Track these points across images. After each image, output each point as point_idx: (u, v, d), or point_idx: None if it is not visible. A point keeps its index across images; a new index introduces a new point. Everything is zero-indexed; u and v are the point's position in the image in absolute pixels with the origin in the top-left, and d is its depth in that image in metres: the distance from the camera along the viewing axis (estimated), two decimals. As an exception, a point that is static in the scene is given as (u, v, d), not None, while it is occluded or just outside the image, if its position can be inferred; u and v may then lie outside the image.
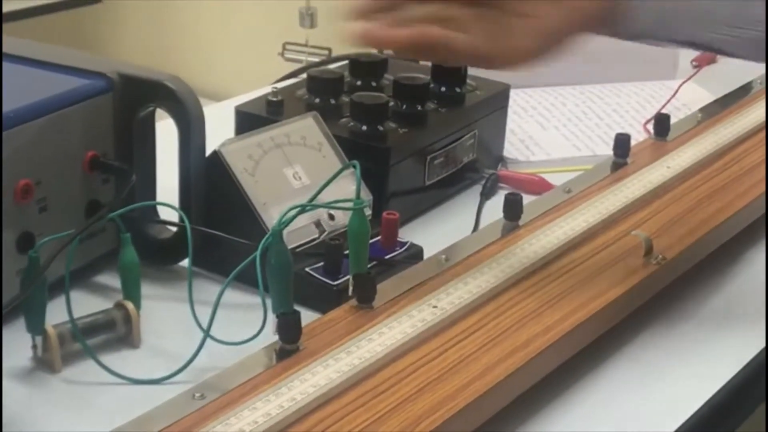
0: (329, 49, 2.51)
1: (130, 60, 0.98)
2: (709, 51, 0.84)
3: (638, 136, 1.20)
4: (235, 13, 2.81)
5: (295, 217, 0.77)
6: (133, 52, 2.92)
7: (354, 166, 0.80)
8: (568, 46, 0.79)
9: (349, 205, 0.80)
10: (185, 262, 0.92)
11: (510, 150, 1.17)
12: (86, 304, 0.83)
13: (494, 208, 1.05)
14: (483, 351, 0.76)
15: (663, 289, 0.90)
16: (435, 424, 0.69)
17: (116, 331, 0.82)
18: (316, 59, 2.39)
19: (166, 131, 0.92)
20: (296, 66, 2.26)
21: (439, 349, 0.76)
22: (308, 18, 2.49)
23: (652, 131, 1.13)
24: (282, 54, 2.59)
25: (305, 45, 2.54)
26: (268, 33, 2.67)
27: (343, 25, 0.77)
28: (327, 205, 0.83)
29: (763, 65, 0.85)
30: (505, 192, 1.08)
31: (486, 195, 1.09)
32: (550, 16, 0.77)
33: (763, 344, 0.87)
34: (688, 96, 1.31)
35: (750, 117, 1.16)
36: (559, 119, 1.25)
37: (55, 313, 0.79)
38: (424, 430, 0.68)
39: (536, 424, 0.76)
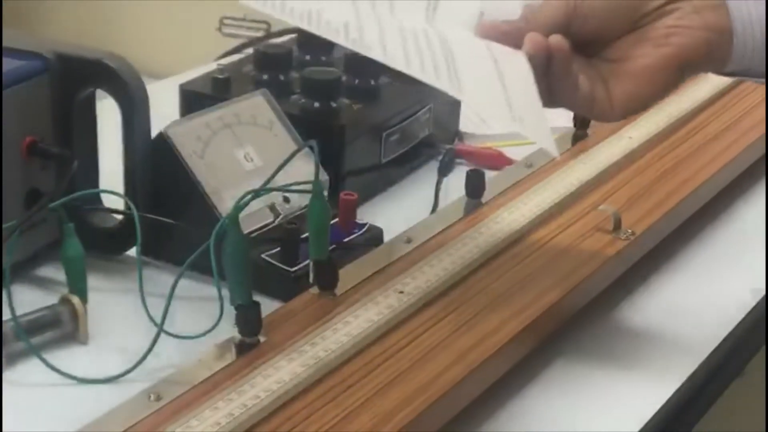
0: (268, 23, 2.46)
1: (57, 37, 0.92)
2: None
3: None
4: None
5: (248, 202, 0.73)
6: (61, 29, 2.84)
7: (311, 147, 0.75)
8: (673, 85, 0.75)
9: (308, 187, 0.75)
10: (132, 251, 0.88)
11: (466, 123, 1.13)
12: (28, 300, 0.78)
13: (453, 185, 1.02)
14: (454, 337, 0.72)
15: (634, 265, 0.87)
16: (409, 417, 0.65)
17: (62, 327, 0.77)
18: (255, 34, 2.34)
19: (106, 113, 0.87)
20: (235, 41, 2.20)
21: (408, 337, 0.72)
22: (245, -9, 2.44)
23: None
24: (220, 29, 2.53)
25: (243, 19, 2.49)
26: (204, 6, 2.61)
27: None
28: (285, 189, 0.78)
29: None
30: (463, 167, 1.06)
31: (443, 171, 1.05)
32: (646, 57, 0.74)
33: (742, 314, 0.84)
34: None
35: (708, 85, 1.13)
36: (514, 90, 1.21)
37: (-5, 310, 0.75)
38: (399, 424, 0.64)
39: (513, 409, 0.73)
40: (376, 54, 0.69)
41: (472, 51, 0.73)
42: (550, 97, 0.74)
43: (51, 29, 2.83)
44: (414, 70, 0.69)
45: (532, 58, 0.72)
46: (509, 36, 0.74)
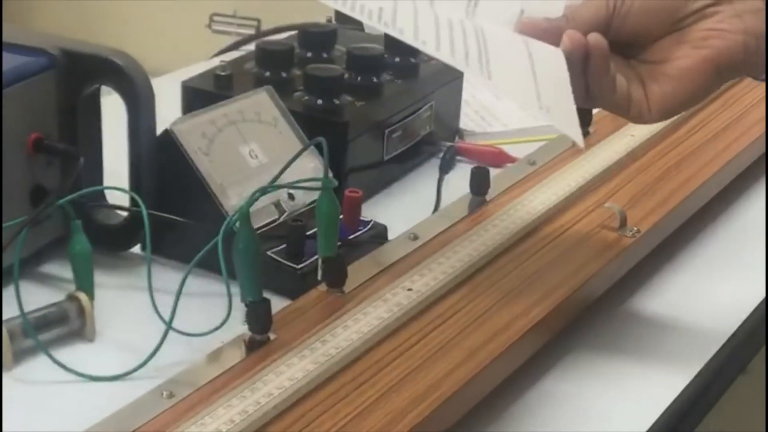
0: (258, 20, 2.45)
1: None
2: None
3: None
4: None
5: (256, 198, 0.72)
6: (48, 26, 2.83)
7: (319, 144, 0.75)
8: (710, 88, 0.76)
9: (318, 185, 0.75)
10: (137, 249, 0.88)
11: (466, 121, 1.13)
12: (35, 297, 0.78)
13: (453, 182, 1.02)
14: (464, 335, 0.72)
15: (638, 263, 0.87)
16: (422, 414, 0.65)
17: (69, 324, 0.77)
18: (245, 31, 2.34)
19: (109, 109, 0.87)
20: (224, 38, 2.20)
21: (418, 335, 0.72)
22: (236, -12, 2.43)
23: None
24: (209, 26, 2.52)
25: (233, 16, 2.48)
26: (193, 4, 2.60)
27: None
28: (296, 185, 0.78)
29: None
30: (464, 165, 1.06)
31: (444, 169, 1.05)
32: (684, 59, 0.74)
33: (744, 316, 0.84)
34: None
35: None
36: (513, 88, 1.21)
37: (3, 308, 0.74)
38: (411, 422, 0.64)
39: (524, 405, 0.73)
40: (407, 37, 0.69)
41: (506, 42, 0.73)
42: (588, 96, 0.74)
43: (38, 27, 2.81)
44: (443, 54, 0.69)
45: (569, 56, 0.72)
46: (548, 33, 0.74)
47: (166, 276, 0.82)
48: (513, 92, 0.72)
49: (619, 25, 0.75)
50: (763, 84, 1.10)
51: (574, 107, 0.71)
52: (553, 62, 0.72)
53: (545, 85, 0.70)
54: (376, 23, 0.70)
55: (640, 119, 0.76)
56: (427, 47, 0.69)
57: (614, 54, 0.75)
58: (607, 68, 0.73)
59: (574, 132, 0.70)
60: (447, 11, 0.73)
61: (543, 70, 0.71)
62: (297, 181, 0.78)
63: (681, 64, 0.74)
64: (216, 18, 2.55)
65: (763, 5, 0.74)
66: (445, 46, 0.69)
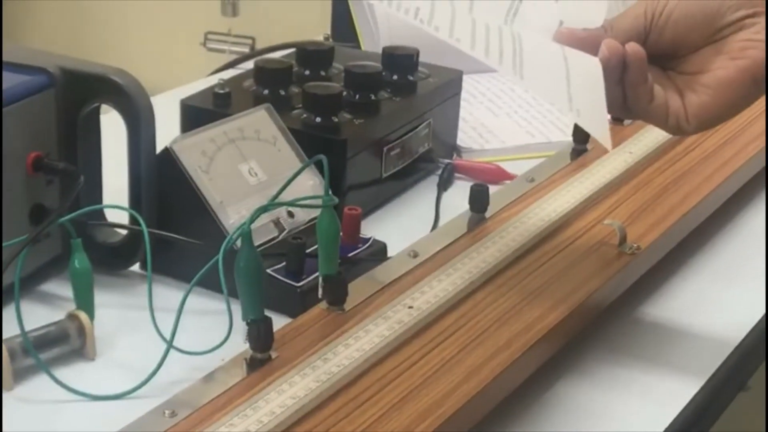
0: (253, 39, 2.46)
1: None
2: None
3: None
4: (154, 1, 2.73)
5: (257, 216, 0.72)
6: (46, 45, 2.83)
7: (320, 161, 0.75)
8: (748, 99, 0.76)
9: (318, 202, 0.75)
10: (137, 267, 0.87)
11: (463, 138, 1.13)
12: (36, 316, 0.77)
13: (451, 199, 1.02)
14: (465, 353, 0.72)
15: (637, 280, 0.87)
16: (425, 433, 0.65)
17: (70, 343, 0.77)
18: (239, 49, 2.34)
19: (109, 127, 0.87)
20: (219, 56, 2.20)
21: (419, 353, 0.72)
22: (230, 6, 2.44)
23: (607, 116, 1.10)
24: (204, 44, 2.53)
25: (228, 34, 2.48)
26: (188, 22, 2.61)
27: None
28: (296, 203, 0.78)
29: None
30: (462, 182, 1.06)
31: (443, 186, 1.05)
32: (722, 69, 0.74)
33: (746, 331, 0.84)
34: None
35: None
36: (510, 105, 1.22)
37: (3, 327, 0.74)
38: (414, 441, 0.64)
39: (525, 423, 0.73)
40: (443, 34, 0.70)
41: (542, 47, 0.74)
42: (625, 106, 0.75)
43: (36, 45, 2.81)
44: (478, 53, 0.70)
45: (607, 64, 0.72)
46: (586, 42, 0.74)
47: (167, 294, 0.82)
48: (545, 92, 0.73)
49: (657, 35, 0.75)
50: (759, 102, 1.10)
51: (605, 113, 0.72)
52: (588, 69, 0.72)
53: (578, 89, 0.70)
54: (412, 20, 0.70)
55: (678, 130, 0.76)
56: (462, 44, 0.70)
57: (652, 65, 0.75)
58: (644, 77, 0.73)
59: (603, 136, 0.70)
60: (485, 16, 0.73)
61: (577, 75, 0.71)
62: (297, 199, 0.78)
63: (719, 75, 0.74)
64: (211, 36, 2.56)
65: None
66: (480, 45, 0.70)
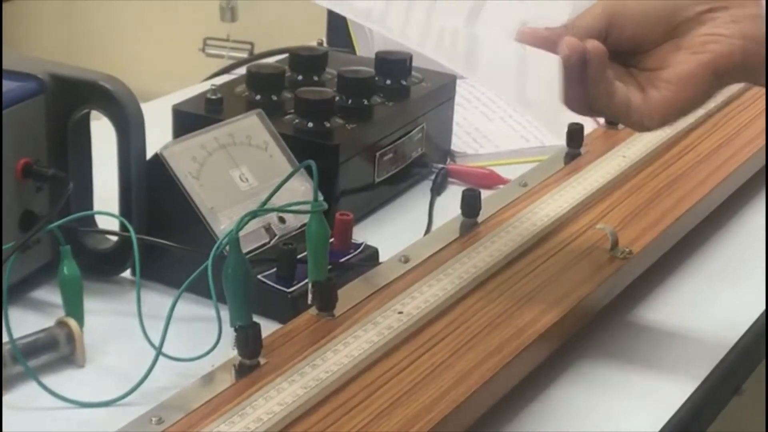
0: (251, 44, 2.47)
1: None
2: None
3: (586, 125, 1.16)
4: (153, 7, 2.73)
5: (246, 222, 0.72)
6: (45, 51, 2.83)
7: (309, 167, 0.75)
8: (709, 93, 0.76)
9: (307, 208, 0.75)
10: (127, 273, 0.87)
11: (457, 143, 1.13)
12: (25, 322, 0.77)
13: (445, 204, 1.02)
14: (455, 358, 0.72)
15: (631, 283, 0.87)
16: (413, 439, 0.64)
17: (59, 350, 0.77)
18: (238, 54, 2.34)
19: (99, 133, 0.86)
20: (217, 61, 2.20)
21: (409, 358, 0.72)
22: (229, 12, 2.44)
23: (601, 120, 1.10)
24: (203, 50, 2.53)
25: (227, 40, 2.49)
26: (187, 28, 2.61)
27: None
28: (285, 209, 0.78)
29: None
30: (456, 187, 1.06)
31: (436, 191, 1.05)
32: (682, 64, 0.75)
33: (739, 335, 0.84)
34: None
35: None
36: (504, 109, 1.21)
37: (-9, 334, 0.74)
38: (403, 447, 0.64)
39: (517, 427, 0.73)
40: (395, 34, 0.70)
41: (500, 44, 0.74)
42: (587, 103, 0.75)
43: (29, 51, 2.81)
44: (428, 49, 0.70)
45: (567, 62, 0.73)
46: (548, 41, 0.74)
47: (157, 300, 0.81)
48: (495, 83, 0.73)
49: (617, 33, 0.75)
50: (753, 105, 1.10)
51: (560, 107, 0.72)
52: (545, 65, 0.72)
53: (533, 83, 0.71)
54: (363, 20, 0.70)
55: (641, 126, 0.76)
56: (411, 42, 0.70)
57: (614, 62, 0.75)
58: (604, 74, 0.74)
59: (552, 126, 0.70)
60: (445, 17, 0.73)
61: (534, 71, 0.72)
62: (287, 205, 0.77)
63: (679, 70, 0.75)
64: (209, 42, 2.56)
65: (760, 11, 0.75)
66: (431, 42, 0.70)
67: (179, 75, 1.77)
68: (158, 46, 2.74)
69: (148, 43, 2.77)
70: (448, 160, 1.10)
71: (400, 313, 0.75)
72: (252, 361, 0.70)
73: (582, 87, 0.74)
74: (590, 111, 0.76)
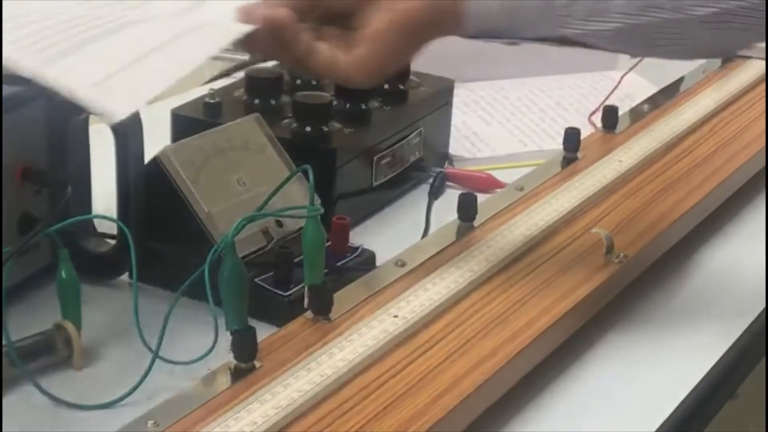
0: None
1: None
2: (565, 45, 0.82)
3: (583, 128, 1.16)
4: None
5: (243, 226, 0.73)
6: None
7: (305, 171, 0.75)
8: (407, 50, 0.80)
9: (304, 212, 0.76)
10: (125, 276, 0.88)
11: (455, 147, 1.13)
12: (21, 325, 0.78)
13: (443, 208, 1.02)
14: (449, 362, 0.72)
15: (626, 287, 0.87)
16: (406, 442, 0.65)
17: (56, 353, 0.77)
18: (240, 56, 2.34)
19: (97, 137, 0.87)
20: (219, 63, 2.20)
21: (403, 362, 0.72)
22: (230, 15, 2.44)
23: (597, 124, 1.11)
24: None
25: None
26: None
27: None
28: (281, 213, 0.78)
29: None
30: (453, 191, 1.06)
31: (434, 195, 1.05)
32: (376, 22, 0.78)
33: (732, 339, 0.84)
34: (630, 87, 1.28)
35: (697, 108, 1.14)
36: (503, 114, 1.22)
37: (-12, 337, 0.74)
38: (396, 450, 0.64)
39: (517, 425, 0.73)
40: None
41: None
42: (296, 65, 0.80)
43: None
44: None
45: (260, 32, 0.76)
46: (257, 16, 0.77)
47: (154, 304, 0.81)
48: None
49: None
50: (751, 109, 1.11)
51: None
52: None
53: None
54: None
55: (348, 80, 0.80)
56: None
57: (328, 24, 0.79)
58: (296, 38, 0.77)
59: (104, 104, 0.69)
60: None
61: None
62: (283, 209, 0.78)
63: (374, 28, 0.78)
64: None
65: None
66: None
67: (191, 84, 1.77)
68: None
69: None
70: (446, 164, 1.10)
71: (396, 316, 0.76)
72: (248, 365, 0.70)
73: (284, 50, 0.77)
74: (305, 71, 0.82)
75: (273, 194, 0.76)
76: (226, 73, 1.35)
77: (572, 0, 0.78)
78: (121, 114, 0.68)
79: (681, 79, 1.23)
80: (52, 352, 0.77)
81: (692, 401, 0.79)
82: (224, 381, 0.69)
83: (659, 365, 0.82)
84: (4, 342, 0.74)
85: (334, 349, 0.72)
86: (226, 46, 0.76)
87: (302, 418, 0.66)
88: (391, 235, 0.98)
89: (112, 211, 0.85)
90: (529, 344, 0.75)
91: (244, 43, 0.78)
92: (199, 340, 0.75)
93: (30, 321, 0.80)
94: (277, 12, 0.76)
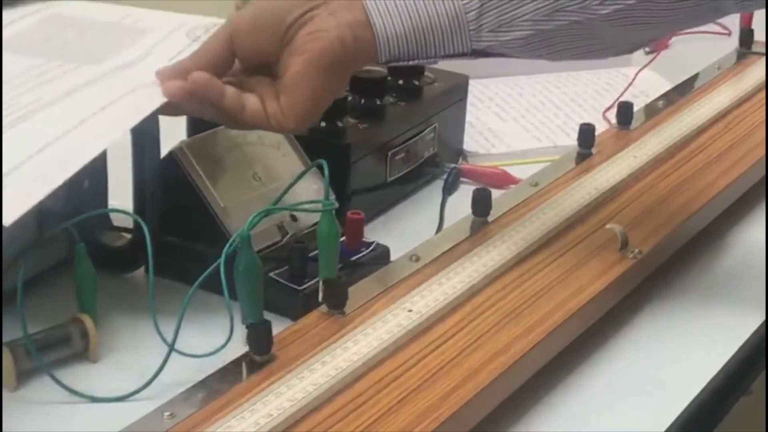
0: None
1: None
2: (481, 57, 0.82)
3: (597, 125, 1.17)
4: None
5: (259, 221, 0.73)
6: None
7: (320, 166, 0.76)
8: (328, 87, 0.80)
9: (318, 207, 0.76)
10: (141, 270, 0.88)
11: (470, 143, 1.14)
12: (38, 317, 0.78)
13: (457, 204, 1.02)
14: (464, 356, 0.73)
15: (641, 282, 0.87)
16: (421, 436, 0.65)
17: (73, 346, 0.78)
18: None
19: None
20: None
21: (417, 356, 0.72)
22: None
23: (612, 120, 1.11)
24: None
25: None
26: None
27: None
28: (296, 208, 0.78)
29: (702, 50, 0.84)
30: (467, 186, 1.06)
31: (448, 190, 1.05)
32: (294, 66, 0.79)
33: (748, 334, 0.84)
34: (645, 84, 1.29)
35: (712, 104, 1.14)
36: (518, 110, 1.22)
37: (6, 329, 0.75)
38: (410, 443, 0.65)
39: (523, 427, 0.73)
40: None
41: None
42: (230, 121, 0.80)
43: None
44: None
45: (183, 97, 0.77)
46: (181, 75, 0.78)
47: (170, 297, 0.82)
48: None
49: (241, 49, 0.80)
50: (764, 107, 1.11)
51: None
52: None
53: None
54: None
55: (281, 129, 0.81)
56: None
57: (259, 75, 0.80)
58: (221, 96, 0.78)
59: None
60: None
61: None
62: (298, 204, 0.78)
63: (292, 73, 0.79)
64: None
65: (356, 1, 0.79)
66: None
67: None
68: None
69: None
70: (460, 159, 1.11)
71: (410, 311, 0.76)
72: (263, 358, 0.71)
73: (214, 110, 0.79)
74: (236, 125, 0.81)
75: (288, 188, 0.76)
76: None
77: (480, 13, 0.78)
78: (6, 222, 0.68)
79: (696, 76, 1.23)
80: (68, 345, 0.77)
81: (706, 397, 0.79)
82: (239, 374, 0.70)
83: (673, 361, 0.82)
84: (21, 335, 0.74)
85: (348, 343, 0.72)
86: (147, 114, 0.77)
87: (317, 411, 0.67)
88: (405, 230, 0.98)
89: (128, 206, 0.86)
90: (543, 339, 0.75)
91: (169, 109, 0.79)
92: (215, 334, 0.75)
93: (47, 314, 0.80)
94: (195, 78, 0.77)
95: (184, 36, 0.89)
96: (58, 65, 0.81)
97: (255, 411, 0.65)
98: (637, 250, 0.86)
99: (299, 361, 0.70)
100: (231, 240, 0.74)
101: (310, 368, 0.70)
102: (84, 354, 0.78)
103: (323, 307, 0.77)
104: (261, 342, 0.70)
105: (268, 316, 0.73)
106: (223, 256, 0.73)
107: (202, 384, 0.69)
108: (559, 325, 0.77)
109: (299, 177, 0.77)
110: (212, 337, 0.76)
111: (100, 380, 0.76)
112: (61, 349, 0.77)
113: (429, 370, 0.71)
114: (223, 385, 0.68)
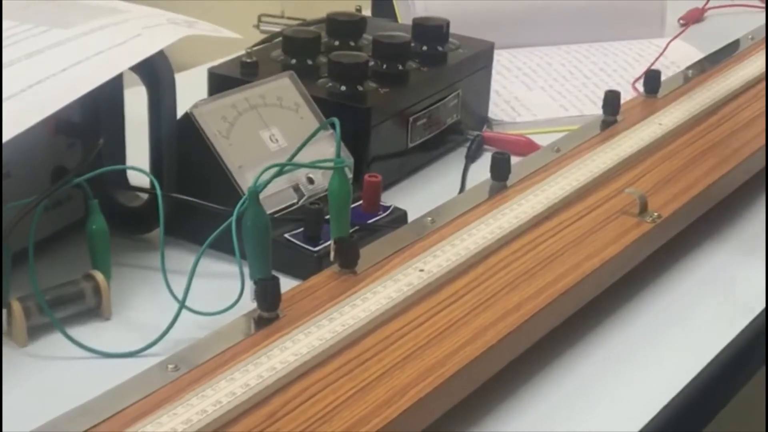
0: (305, 20, 2.47)
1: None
2: None
3: (626, 95, 1.15)
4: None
5: (272, 178, 0.73)
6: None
7: (333, 124, 0.75)
8: None
9: (330, 164, 0.75)
10: (157, 231, 0.88)
11: (495, 111, 1.13)
12: (53, 276, 0.78)
13: (480, 171, 1.01)
14: (473, 315, 0.72)
15: (658, 249, 0.86)
16: (423, 391, 0.65)
17: (85, 302, 0.78)
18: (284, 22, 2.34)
19: (132, 92, 0.87)
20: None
21: (426, 314, 0.72)
22: (284, -12, 2.45)
23: (641, 90, 1.10)
24: (257, 26, 2.54)
25: (281, 16, 2.49)
26: (242, 4, 2.62)
27: None
28: (306, 165, 0.78)
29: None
30: (491, 154, 1.05)
31: (471, 157, 1.05)
32: None
33: (762, 307, 0.83)
34: (677, 54, 1.27)
35: (742, 72, 1.13)
36: (545, 79, 1.21)
37: (19, 285, 0.75)
38: (414, 398, 0.64)
39: (528, 390, 0.73)
40: None
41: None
42: None
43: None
44: None
45: None
46: None
47: (183, 257, 0.83)
48: None
49: None
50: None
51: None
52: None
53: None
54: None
55: None
56: None
57: None
58: None
59: None
60: None
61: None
62: (311, 162, 0.78)
63: None
64: (264, 18, 2.56)
65: None
66: None
67: (235, 51, 1.78)
68: (214, 23, 2.76)
69: (205, 20, 2.79)
70: (485, 127, 1.10)
71: (422, 270, 0.76)
72: (270, 314, 0.70)
73: None
74: None
75: (301, 147, 0.76)
76: (267, 40, 1.36)
77: None
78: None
79: (728, 46, 1.22)
80: (81, 301, 0.77)
81: (721, 364, 0.78)
82: (246, 329, 0.69)
83: (690, 329, 0.81)
84: (32, 291, 0.74)
85: (357, 301, 0.72)
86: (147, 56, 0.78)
87: (322, 366, 0.66)
88: (424, 196, 0.97)
89: (145, 166, 0.85)
90: (554, 300, 0.74)
91: None
92: (227, 293, 0.75)
93: (61, 273, 0.80)
94: None
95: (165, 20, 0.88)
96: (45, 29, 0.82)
97: (259, 365, 0.65)
98: (656, 214, 0.85)
99: (307, 318, 0.70)
100: (243, 198, 0.73)
101: (317, 324, 0.69)
102: (96, 311, 0.78)
103: (335, 267, 0.76)
104: (268, 298, 0.70)
105: (283, 277, 0.72)
106: (234, 214, 0.73)
107: (208, 339, 0.69)
108: (570, 287, 0.76)
109: (314, 134, 0.76)
110: (225, 297, 0.75)
111: (112, 336, 0.76)
112: (73, 305, 0.77)
113: (437, 328, 0.70)
114: (229, 339, 0.68)
